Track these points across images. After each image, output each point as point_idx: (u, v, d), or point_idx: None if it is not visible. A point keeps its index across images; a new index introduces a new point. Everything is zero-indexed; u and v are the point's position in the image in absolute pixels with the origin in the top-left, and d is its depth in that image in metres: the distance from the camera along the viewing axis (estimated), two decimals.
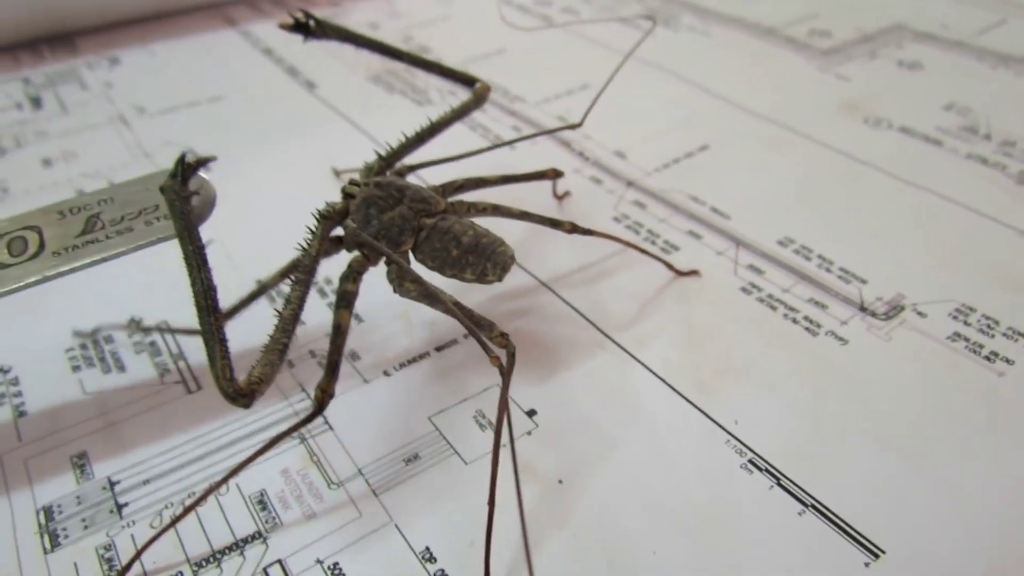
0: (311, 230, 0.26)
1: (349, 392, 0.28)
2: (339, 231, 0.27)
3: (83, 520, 0.24)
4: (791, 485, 0.24)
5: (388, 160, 0.29)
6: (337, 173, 0.39)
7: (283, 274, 0.28)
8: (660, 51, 0.51)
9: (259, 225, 0.36)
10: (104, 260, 0.26)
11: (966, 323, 0.29)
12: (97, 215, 0.27)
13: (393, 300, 0.31)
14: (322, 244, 0.26)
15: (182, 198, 0.23)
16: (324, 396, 0.22)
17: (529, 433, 0.26)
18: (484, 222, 0.29)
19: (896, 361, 0.28)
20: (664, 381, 0.28)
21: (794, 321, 0.30)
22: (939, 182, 0.37)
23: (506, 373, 0.23)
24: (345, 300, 0.25)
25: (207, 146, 0.43)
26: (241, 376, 0.22)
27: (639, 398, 0.27)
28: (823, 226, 0.35)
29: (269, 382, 0.22)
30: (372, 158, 0.30)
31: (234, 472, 0.22)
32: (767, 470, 0.24)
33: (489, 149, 0.31)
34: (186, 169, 0.23)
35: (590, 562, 0.22)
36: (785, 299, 0.31)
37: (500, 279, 0.27)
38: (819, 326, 0.30)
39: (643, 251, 0.31)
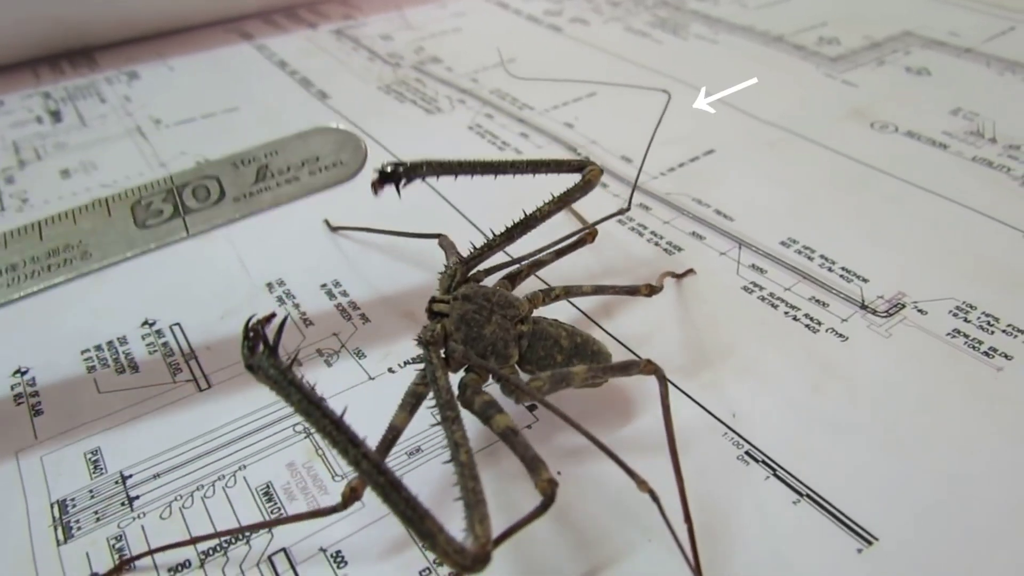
0: (425, 359, 0.24)
1: (354, 388, 0.28)
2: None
3: (95, 513, 0.25)
4: (787, 475, 0.24)
5: (469, 263, 0.27)
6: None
7: (409, 409, 0.24)
8: (668, 59, 0.52)
9: (274, 231, 0.37)
10: (278, 205, 0.28)
11: (966, 320, 0.30)
12: (266, 166, 0.29)
13: (395, 299, 0.32)
14: (445, 372, 0.24)
15: (283, 371, 0.19)
16: (552, 485, 0.21)
17: (529, 427, 0.26)
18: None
19: (895, 357, 0.28)
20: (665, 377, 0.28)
21: (795, 319, 0.30)
22: (943, 184, 0.37)
23: (664, 396, 0.23)
24: (493, 408, 0.24)
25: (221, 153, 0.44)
26: (468, 542, 0.19)
27: (638, 393, 0.27)
28: (827, 228, 0.35)
29: (491, 533, 0.19)
30: (452, 261, 0.28)
31: None
32: (763, 461, 0.25)
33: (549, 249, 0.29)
34: (256, 335, 0.19)
35: (588, 553, 0.23)
36: (786, 297, 0.31)
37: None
38: (819, 323, 0.30)
39: (672, 275, 0.32)
